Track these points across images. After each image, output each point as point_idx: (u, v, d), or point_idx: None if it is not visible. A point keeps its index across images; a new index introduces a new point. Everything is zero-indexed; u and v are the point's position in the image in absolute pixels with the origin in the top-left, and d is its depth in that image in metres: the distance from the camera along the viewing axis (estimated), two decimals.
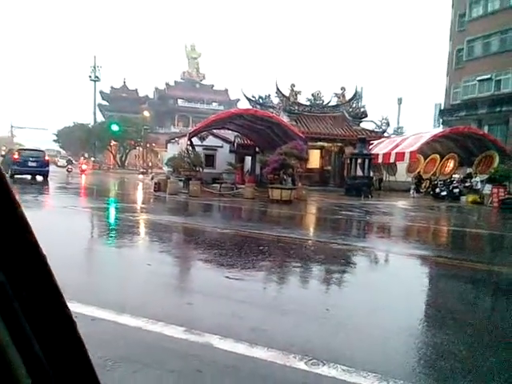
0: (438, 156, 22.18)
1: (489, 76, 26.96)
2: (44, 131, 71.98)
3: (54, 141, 75.59)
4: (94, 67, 57.71)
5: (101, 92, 66.98)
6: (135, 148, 56.32)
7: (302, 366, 2.47)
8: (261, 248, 6.86)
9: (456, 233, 10.46)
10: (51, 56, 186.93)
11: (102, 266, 5.30)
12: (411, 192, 21.66)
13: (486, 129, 26.07)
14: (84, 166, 38.18)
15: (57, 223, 8.37)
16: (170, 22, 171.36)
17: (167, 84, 72.25)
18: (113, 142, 55.41)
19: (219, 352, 2.62)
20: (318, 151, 26.22)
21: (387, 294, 4.51)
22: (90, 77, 58.01)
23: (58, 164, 57.21)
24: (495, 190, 17.37)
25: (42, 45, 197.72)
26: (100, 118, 63.17)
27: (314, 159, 25.84)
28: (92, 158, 57.06)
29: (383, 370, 2.44)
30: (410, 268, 6.07)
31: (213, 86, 74.95)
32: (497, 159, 20.01)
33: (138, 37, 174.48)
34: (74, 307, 3.23)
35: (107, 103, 69.40)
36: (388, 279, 5.29)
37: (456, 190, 19.01)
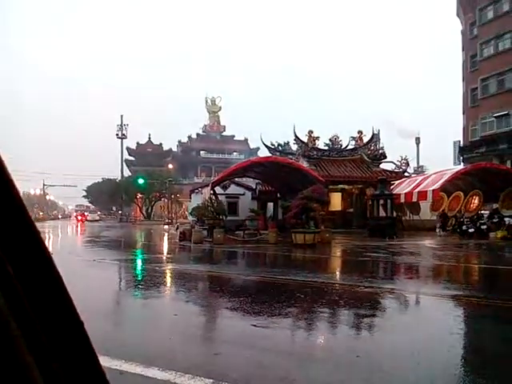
0: (461, 193, 21.82)
1: (506, 112, 26.96)
2: (74, 188, 74.84)
3: (84, 196, 78.40)
4: (121, 126, 60.63)
5: (127, 148, 69.83)
6: (160, 199, 57.64)
7: None
8: (286, 294, 6.83)
9: (488, 271, 10.11)
10: (80, 116, 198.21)
11: (130, 318, 5.39)
12: (437, 230, 21.16)
13: (508, 164, 25.68)
14: (79, 217, 43.92)
15: (85, 276, 8.58)
16: (191, 78, 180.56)
17: (189, 137, 74.85)
18: (139, 195, 56.98)
19: None
20: (339, 194, 26.23)
21: (418, 337, 4.39)
22: (117, 135, 60.83)
23: (88, 218, 58.96)
24: None
25: (72, 107, 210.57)
26: (127, 172, 65.45)
27: (336, 202, 25.80)
28: (119, 212, 58.49)
29: None
30: (441, 309, 5.90)
31: (233, 136, 77.15)
32: None
33: (161, 93, 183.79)
34: (101, 360, 3.30)
35: (133, 158, 72.08)
36: (419, 322, 5.16)
37: (484, 227, 18.49)
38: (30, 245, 0.48)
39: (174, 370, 3.14)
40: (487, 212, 19.94)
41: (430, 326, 4.96)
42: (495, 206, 20.79)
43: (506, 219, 18.50)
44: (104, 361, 3.31)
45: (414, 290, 7.22)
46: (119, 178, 61.31)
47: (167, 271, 9.75)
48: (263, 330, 4.51)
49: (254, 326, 4.69)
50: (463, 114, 33.86)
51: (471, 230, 18.69)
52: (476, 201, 21.35)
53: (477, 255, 13.85)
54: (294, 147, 26.82)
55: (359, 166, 25.80)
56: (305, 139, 26.84)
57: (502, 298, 6.19)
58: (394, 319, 5.27)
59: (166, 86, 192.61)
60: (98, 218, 60.40)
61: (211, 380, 2.95)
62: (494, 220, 19.01)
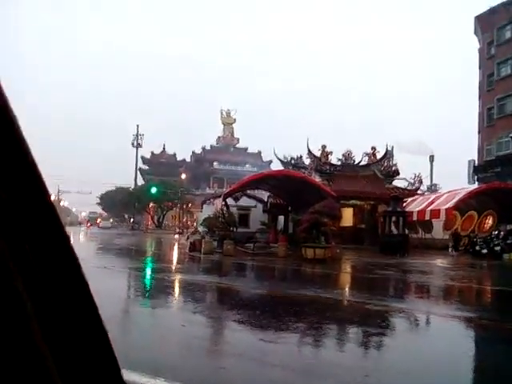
0: (475, 213, 21.53)
1: None
2: (88, 195, 75.88)
3: (97, 203, 79.39)
4: (137, 135, 61.65)
5: (142, 157, 70.73)
6: (172, 209, 58.05)
7: None
8: (295, 309, 6.81)
9: (500, 293, 9.92)
10: (95, 124, 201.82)
11: (137, 327, 5.43)
12: (449, 250, 20.86)
13: None
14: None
15: (95, 283, 8.67)
16: (207, 90, 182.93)
17: (203, 148, 75.56)
18: (151, 204, 57.51)
19: None
20: (351, 209, 26.09)
21: (428, 358, 4.34)
22: (133, 144, 61.77)
23: (100, 225, 59.59)
24: None
25: (86, 114, 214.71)
26: (140, 181, 66.21)
27: (347, 217, 25.66)
28: (131, 220, 58.98)
29: None
30: (451, 330, 5.81)
31: (247, 148, 77.62)
32: None
33: (176, 104, 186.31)
34: None
35: (147, 167, 72.93)
36: (428, 343, 5.10)
37: (497, 248, 18.17)
38: (60, 249, 0.51)
39: (180, 381, 3.16)
40: (501, 233, 19.61)
41: (439, 346, 4.90)
42: (509, 226, 20.43)
43: None
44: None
45: (424, 310, 7.13)
46: (133, 186, 62.04)
47: (176, 281, 9.80)
48: (270, 345, 4.52)
49: (262, 340, 4.69)
50: (479, 133, 33.59)
51: (484, 251, 18.38)
52: (490, 221, 21.03)
53: (489, 276, 13.61)
54: (307, 161, 26.87)
55: (372, 182, 25.68)
56: (318, 154, 26.88)
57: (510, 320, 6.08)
58: (402, 338, 5.22)
59: (181, 97, 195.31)
60: (110, 225, 60.98)
61: None
62: (508, 241, 18.66)
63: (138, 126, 61.65)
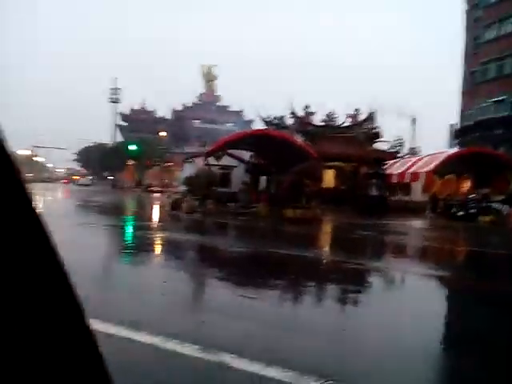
0: (453, 176, 21.97)
1: (503, 97, 26.85)
2: (64, 151, 73.88)
3: (75, 160, 77.56)
4: (115, 89, 59.39)
5: (120, 113, 68.69)
6: (152, 167, 57.27)
7: None
8: (274, 266, 6.89)
9: (473, 253, 10.29)
10: (71, 77, 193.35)
11: (119, 283, 5.39)
12: (427, 212, 21.42)
13: (501, 149, 25.79)
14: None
15: (76, 240, 8.55)
16: (187, 43, 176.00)
17: (184, 105, 73.79)
18: (131, 162, 56.52)
19: (235, 371, 2.66)
20: (333, 171, 26.24)
21: (404, 314, 4.47)
22: (111, 98, 59.64)
23: (78, 183, 58.52)
24: None
25: (63, 66, 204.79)
26: (119, 138, 64.59)
27: (329, 179, 25.84)
28: (111, 177, 58.06)
29: None
30: (425, 288, 6.00)
31: (228, 107, 76.17)
32: None
33: (156, 58, 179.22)
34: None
35: (126, 124, 71.02)
36: (404, 300, 5.25)
37: (472, 211, 18.75)
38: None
39: (161, 335, 3.15)
40: (477, 196, 20.15)
41: (413, 303, 5.05)
42: (485, 190, 20.98)
43: (495, 204, 18.74)
44: (91, 323, 3.31)
45: (400, 269, 7.33)
46: (111, 143, 60.60)
47: (157, 239, 9.75)
48: (251, 301, 4.56)
49: (242, 295, 4.72)
50: (461, 97, 33.70)
51: (460, 214, 18.94)
52: (467, 185, 21.52)
53: (463, 238, 14.08)
54: (290, 121, 26.57)
55: (354, 144, 25.73)
56: (301, 114, 26.57)
57: (486, 280, 6.31)
58: (379, 296, 5.36)
59: (161, 52, 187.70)
60: (89, 182, 59.95)
61: (198, 346, 2.97)
62: (483, 205, 19.24)
63: (115, 78, 59.35)
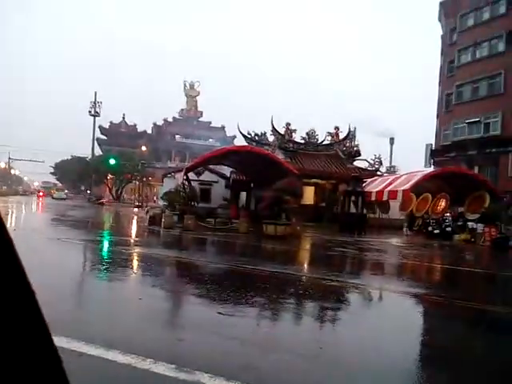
0: (429, 195, 22.47)
1: (478, 119, 27.80)
2: (41, 164, 72.25)
3: (51, 173, 75.93)
4: (95, 103, 58.79)
5: (100, 127, 67.91)
6: (131, 182, 56.51)
7: None
8: (254, 284, 6.84)
9: (449, 271, 10.47)
10: (50, 89, 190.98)
11: (92, 300, 5.25)
12: (404, 230, 21.77)
13: (476, 169, 26.59)
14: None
15: (49, 255, 8.31)
16: (169, 60, 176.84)
17: (165, 120, 73.59)
18: (109, 176, 55.67)
19: None
20: (313, 188, 26.47)
21: (380, 332, 4.49)
22: (90, 112, 58.99)
23: (54, 196, 57.15)
24: (487, 229, 17.55)
25: (42, 78, 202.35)
26: (98, 152, 63.72)
27: (309, 196, 26.02)
28: (88, 191, 57.01)
29: None
30: (402, 306, 6.06)
31: (210, 122, 76.35)
32: (487, 199, 20.30)
33: (138, 74, 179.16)
34: (61, 342, 3.20)
35: (105, 137, 70.22)
36: (381, 317, 5.28)
37: (448, 229, 19.16)
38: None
39: (135, 353, 3.07)
40: (452, 215, 20.63)
41: (390, 321, 5.08)
42: (461, 209, 21.51)
43: (470, 223, 19.21)
44: (63, 342, 3.20)
45: (378, 286, 7.38)
46: (90, 156, 59.67)
47: (134, 254, 9.57)
48: (229, 318, 4.50)
49: (220, 313, 4.66)
50: (437, 118, 34.75)
51: (436, 232, 19.34)
52: (443, 203, 22.01)
53: (439, 256, 14.33)
54: (271, 138, 26.78)
55: (334, 162, 26.07)
56: (282, 131, 26.85)
57: (460, 298, 6.42)
58: (357, 313, 5.38)
59: (143, 67, 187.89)
60: (64, 196, 58.56)
61: (173, 365, 2.90)
62: (459, 223, 19.70)
63: (95, 92, 58.79)
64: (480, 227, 18.22)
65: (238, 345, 3.64)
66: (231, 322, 4.36)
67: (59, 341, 3.21)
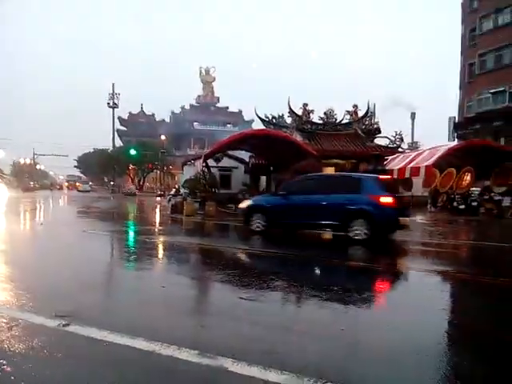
0: (454, 170, 21.88)
1: (502, 88, 26.72)
2: (65, 158, 73.99)
3: (75, 166, 77.71)
4: (113, 94, 59.49)
5: (119, 118, 68.74)
6: (152, 171, 57.26)
7: None
8: (277, 267, 6.85)
9: (475, 247, 10.23)
10: (70, 84, 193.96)
11: (117, 289, 5.37)
12: (428, 207, 21.34)
13: (502, 141, 25.68)
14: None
15: (76, 247, 8.54)
16: (184, 47, 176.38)
17: (183, 108, 73.82)
18: (131, 166, 56.53)
19: (233, 376, 2.63)
20: (333, 168, 26.15)
21: (406, 311, 4.43)
22: (109, 104, 59.73)
23: (79, 189, 58.61)
24: None
25: (61, 74, 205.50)
26: (118, 143, 64.67)
27: None
28: (112, 182, 58.13)
29: None
30: (431, 284, 5.95)
31: (227, 108, 76.17)
32: None
33: (154, 62, 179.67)
34: (87, 332, 3.30)
35: (125, 128, 71.08)
36: (406, 296, 5.22)
37: (474, 204, 18.68)
38: None
39: (159, 341, 3.12)
40: (474, 189, 20.09)
41: (417, 299, 5.00)
42: (487, 183, 20.90)
43: (497, 197, 18.66)
44: (89, 332, 3.30)
45: (404, 265, 7.29)
46: (111, 148, 60.63)
47: (158, 243, 9.73)
48: (251, 303, 4.52)
49: (242, 298, 4.69)
50: (460, 89, 33.57)
51: (462, 207, 18.88)
52: (468, 178, 21.42)
53: (465, 231, 14.02)
54: (289, 120, 26.49)
55: (353, 141, 25.64)
56: (299, 112, 26.50)
57: (487, 274, 6.26)
58: (384, 294, 5.33)
59: (160, 55, 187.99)
60: (89, 188, 59.98)
61: (197, 351, 2.94)
62: (485, 197, 19.17)
63: (113, 84, 59.38)
64: (507, 200, 17.69)
65: (260, 330, 3.65)
66: (254, 307, 4.39)
67: (85, 331, 3.31)
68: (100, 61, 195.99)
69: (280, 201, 10.37)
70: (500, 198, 18.57)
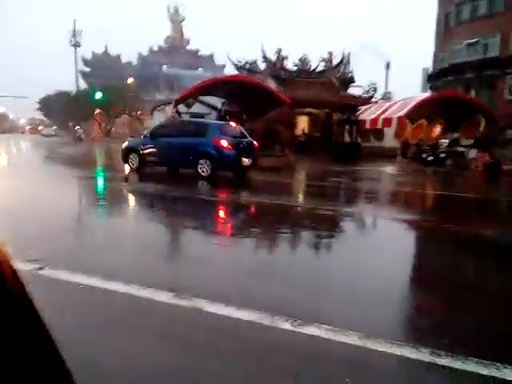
0: (425, 121, 22.21)
1: (476, 39, 26.68)
2: (26, 100, 69.75)
3: (38, 109, 73.53)
4: (74, 32, 55.41)
5: (83, 58, 64.71)
6: (120, 116, 55.06)
7: (287, 326, 2.55)
8: (248, 215, 6.92)
9: (440, 197, 10.66)
10: (26, 20, 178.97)
11: (91, 234, 5.29)
12: (398, 157, 21.83)
13: (473, 93, 26.06)
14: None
15: (45, 191, 8.27)
16: None
17: (151, 49, 69.98)
18: (97, 110, 54.04)
19: (208, 315, 2.68)
20: (306, 118, 26.02)
21: (372, 257, 4.61)
22: (71, 41, 55.81)
23: (43, 133, 55.99)
24: (480, 155, 17.62)
25: (17, 9, 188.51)
26: (83, 85, 61.25)
27: (302, 126, 25.68)
28: (77, 127, 55.79)
29: (365, 329, 2.53)
30: (395, 231, 6.19)
31: (198, 51, 72.82)
32: (483, 124, 20.14)
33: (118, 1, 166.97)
34: (63, 275, 3.25)
35: (89, 69, 67.17)
36: (373, 243, 5.41)
37: (442, 155, 19.22)
38: None
39: (135, 283, 3.13)
40: (443, 141, 20.58)
41: (381, 246, 5.20)
42: (456, 135, 21.41)
43: (463, 148, 19.21)
44: (64, 275, 3.26)
45: (371, 214, 7.51)
46: (74, 90, 57.48)
47: (128, 190, 9.56)
48: (224, 249, 4.58)
49: (216, 243, 4.73)
50: (435, 40, 33.30)
51: (430, 158, 19.39)
52: (438, 129, 21.85)
53: (432, 182, 14.51)
54: (262, 66, 25.74)
55: (327, 90, 25.35)
56: (273, 58, 25.73)
57: (451, 222, 6.56)
58: (349, 240, 5.50)
59: None
60: (53, 133, 57.35)
61: (173, 293, 2.97)
62: (453, 149, 19.72)
63: (75, 20, 55.14)
64: (473, 152, 18.28)
65: (233, 273, 3.72)
66: (226, 252, 4.45)
67: (61, 274, 3.26)
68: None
69: (149, 143, 11.87)
70: (464, 149, 19.13)
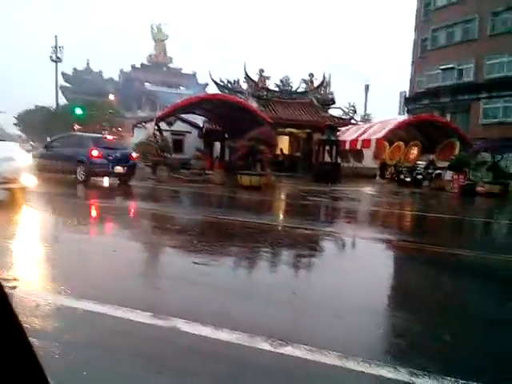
0: (402, 143, 22.78)
1: (452, 65, 27.77)
2: (2, 114, 68.39)
3: (15, 124, 72.11)
4: (56, 47, 55.05)
5: (63, 74, 64.21)
6: (100, 133, 54.56)
7: (267, 347, 2.52)
8: (229, 234, 6.88)
9: (418, 217, 10.86)
10: (7, 34, 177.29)
11: (67, 253, 5.16)
12: (377, 178, 22.25)
13: (448, 117, 26.96)
14: None
15: (24, 210, 8.07)
16: (136, 4, 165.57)
17: (133, 66, 70.19)
18: (76, 126, 53.45)
19: (185, 335, 2.63)
20: (287, 137, 26.38)
21: (352, 276, 4.64)
22: (51, 57, 55.36)
23: None
24: (456, 177, 18.17)
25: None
26: (63, 101, 60.60)
27: (283, 145, 25.98)
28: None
29: (344, 349, 2.53)
30: (373, 251, 6.25)
31: (181, 69, 73.38)
32: (458, 146, 20.79)
33: (102, 15, 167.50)
34: (37, 296, 3.15)
35: (70, 85, 66.66)
36: (353, 263, 5.44)
37: (419, 177, 19.71)
38: None
39: (111, 303, 3.05)
40: (420, 163, 21.13)
41: (361, 266, 5.24)
42: (432, 157, 22.03)
43: (440, 170, 19.78)
44: (36, 295, 3.15)
45: (350, 234, 7.58)
46: (54, 106, 56.80)
47: (106, 208, 9.41)
48: (203, 268, 4.52)
49: (196, 263, 4.67)
50: (412, 64, 34.52)
51: (408, 179, 19.87)
52: (415, 151, 22.45)
53: (409, 203, 14.80)
54: (245, 86, 26.11)
55: (308, 110, 25.84)
56: (256, 78, 26.15)
57: (429, 243, 6.68)
58: (329, 260, 5.51)
59: (109, 9, 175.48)
60: (30, 148, 56.14)
61: (149, 313, 2.91)
62: (430, 171, 20.27)
63: (56, 36, 54.81)
64: (449, 174, 18.81)
65: (211, 293, 3.67)
66: (206, 271, 4.39)
67: (36, 295, 3.15)
68: (41, 10, 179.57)
69: (47, 153, 14.30)
70: (440, 171, 19.70)
